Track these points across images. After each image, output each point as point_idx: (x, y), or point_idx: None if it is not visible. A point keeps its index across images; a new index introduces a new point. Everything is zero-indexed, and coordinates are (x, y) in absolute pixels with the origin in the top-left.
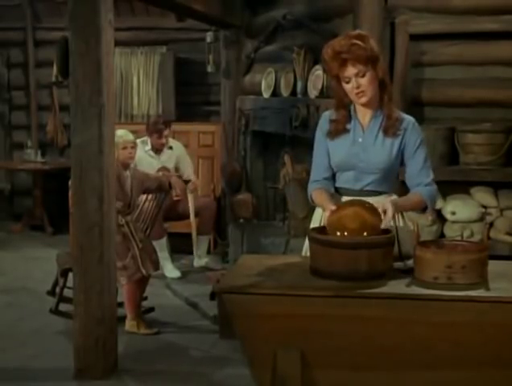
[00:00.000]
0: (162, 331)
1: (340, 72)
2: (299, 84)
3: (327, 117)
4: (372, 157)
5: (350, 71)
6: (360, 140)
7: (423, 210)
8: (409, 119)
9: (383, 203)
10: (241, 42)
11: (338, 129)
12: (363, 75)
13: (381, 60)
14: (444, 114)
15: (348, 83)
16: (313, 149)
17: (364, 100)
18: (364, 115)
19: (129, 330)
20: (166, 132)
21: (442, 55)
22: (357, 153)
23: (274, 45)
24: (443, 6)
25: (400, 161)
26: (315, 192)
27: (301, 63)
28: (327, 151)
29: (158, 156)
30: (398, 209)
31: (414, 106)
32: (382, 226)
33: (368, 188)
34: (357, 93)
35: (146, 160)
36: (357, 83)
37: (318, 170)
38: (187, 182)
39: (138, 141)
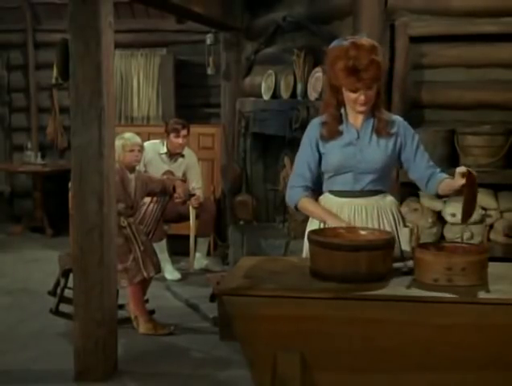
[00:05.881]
0: (162, 333)
1: (350, 84)
2: (299, 86)
3: (316, 123)
4: (369, 157)
5: (362, 86)
6: (355, 141)
7: None
8: (398, 119)
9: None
10: (241, 44)
11: (331, 131)
12: (370, 88)
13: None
14: (444, 116)
15: (354, 92)
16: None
17: (363, 109)
18: (356, 118)
19: (146, 333)
20: (183, 132)
21: (442, 57)
22: (354, 154)
23: (274, 47)
24: (443, 8)
25: (397, 162)
26: (306, 201)
27: (301, 65)
28: (312, 159)
29: (170, 162)
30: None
31: (414, 108)
32: None
33: (367, 188)
34: (360, 104)
35: (156, 162)
36: (365, 95)
37: (300, 176)
38: (191, 195)
39: (151, 142)
